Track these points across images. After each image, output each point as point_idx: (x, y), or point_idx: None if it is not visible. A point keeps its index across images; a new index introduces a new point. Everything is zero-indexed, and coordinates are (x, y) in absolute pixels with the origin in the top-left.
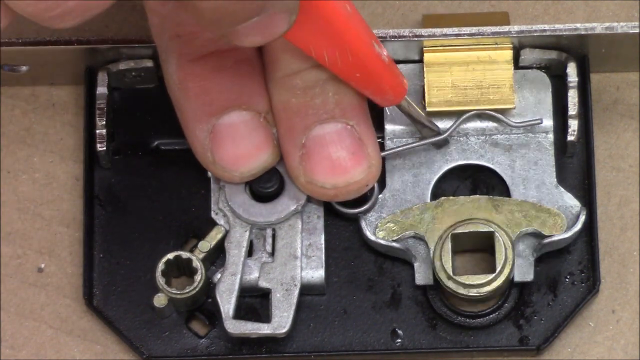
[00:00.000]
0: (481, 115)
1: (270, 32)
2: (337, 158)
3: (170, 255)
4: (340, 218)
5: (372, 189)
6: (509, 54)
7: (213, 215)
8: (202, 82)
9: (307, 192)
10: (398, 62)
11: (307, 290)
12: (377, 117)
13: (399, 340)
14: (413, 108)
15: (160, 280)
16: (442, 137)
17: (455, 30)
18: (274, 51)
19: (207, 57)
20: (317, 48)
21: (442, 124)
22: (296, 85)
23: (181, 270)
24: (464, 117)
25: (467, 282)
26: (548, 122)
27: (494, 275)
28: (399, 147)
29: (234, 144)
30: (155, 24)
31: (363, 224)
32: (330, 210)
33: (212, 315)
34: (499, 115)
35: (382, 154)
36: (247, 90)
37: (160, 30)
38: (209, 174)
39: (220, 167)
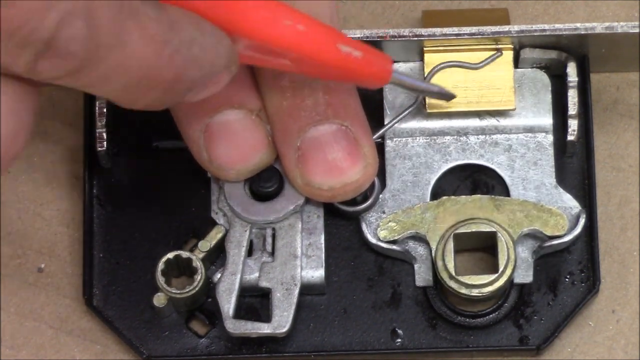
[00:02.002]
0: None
1: (215, 88)
2: (333, 159)
3: (170, 255)
4: (341, 218)
5: (373, 186)
6: (509, 55)
7: (213, 214)
8: None
9: (305, 193)
10: (398, 62)
11: (307, 290)
12: (377, 115)
13: (399, 340)
14: (406, 80)
15: (160, 280)
16: (448, 94)
17: (455, 30)
18: None
19: None
20: (282, 67)
21: (442, 125)
22: (285, 87)
23: (181, 270)
24: (439, 67)
25: (469, 282)
26: (548, 122)
27: (496, 275)
28: (389, 123)
29: (229, 142)
30: None
31: (363, 225)
32: (331, 210)
33: (212, 315)
34: (465, 63)
35: (379, 132)
36: (238, 89)
37: None
38: (209, 173)
39: (217, 165)
